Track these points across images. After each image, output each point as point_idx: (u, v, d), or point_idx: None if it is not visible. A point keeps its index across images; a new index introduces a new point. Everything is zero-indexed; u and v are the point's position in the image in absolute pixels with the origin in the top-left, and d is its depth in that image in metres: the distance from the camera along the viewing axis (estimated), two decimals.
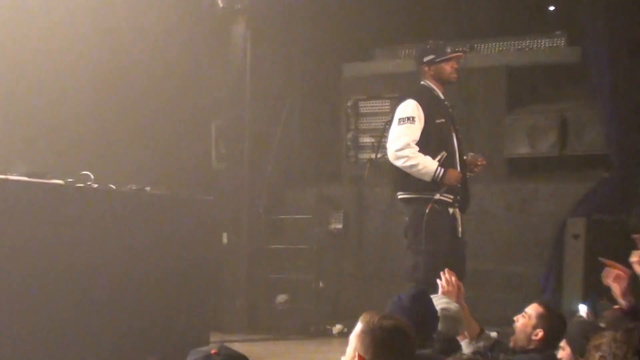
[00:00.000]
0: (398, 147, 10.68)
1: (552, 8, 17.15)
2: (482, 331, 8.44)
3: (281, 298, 16.14)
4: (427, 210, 10.69)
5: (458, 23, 16.39)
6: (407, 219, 11.07)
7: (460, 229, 10.97)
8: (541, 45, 16.15)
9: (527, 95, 15.94)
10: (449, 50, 11.20)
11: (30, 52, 14.03)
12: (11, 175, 9.86)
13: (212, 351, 4.79)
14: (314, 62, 16.74)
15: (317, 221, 16.06)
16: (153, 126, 15.11)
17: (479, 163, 11.32)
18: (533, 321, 8.26)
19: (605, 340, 5.23)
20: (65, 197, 10.12)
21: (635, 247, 9.20)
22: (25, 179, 9.90)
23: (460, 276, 9.87)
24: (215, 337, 11.62)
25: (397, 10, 16.31)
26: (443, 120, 10.85)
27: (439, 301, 8.13)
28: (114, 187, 10.79)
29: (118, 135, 14.60)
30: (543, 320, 8.24)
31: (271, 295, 16.20)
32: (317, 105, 16.96)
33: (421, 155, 10.58)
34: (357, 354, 5.39)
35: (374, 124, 15.52)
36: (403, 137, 10.67)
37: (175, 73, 15.39)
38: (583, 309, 11.09)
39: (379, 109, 15.68)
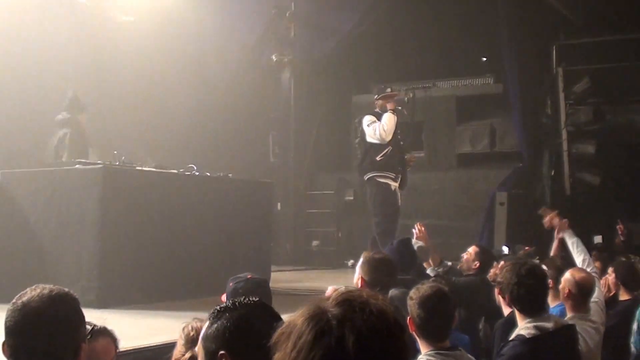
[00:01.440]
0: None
1: (484, 59, 17.39)
2: (441, 261, 8.74)
3: (315, 243, 16.35)
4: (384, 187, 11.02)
5: (426, 68, 16.57)
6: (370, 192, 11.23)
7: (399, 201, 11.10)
8: (478, 82, 16.45)
9: (469, 114, 16.21)
10: (388, 91, 11.39)
11: (156, 86, 14.31)
12: (146, 167, 10.20)
13: (248, 276, 5.17)
14: (334, 94, 16.83)
15: (336, 195, 16.22)
16: (232, 136, 15.31)
17: (412, 159, 11.51)
18: (473, 256, 8.63)
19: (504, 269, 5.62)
20: (178, 181, 10.18)
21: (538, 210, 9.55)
22: (154, 169, 10.14)
23: None
24: (273, 268, 11.67)
25: (386, 60, 16.50)
26: None
27: (415, 242, 8.55)
28: (209, 174, 10.86)
29: (211, 143, 14.83)
30: (479, 255, 8.60)
31: (308, 241, 16.40)
32: (336, 121, 17.11)
33: None
34: (360, 277, 5.85)
35: None
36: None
37: (246, 102, 15.60)
38: (505, 249, 11.47)
39: None
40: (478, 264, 8.50)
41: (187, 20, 15.27)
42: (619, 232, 13.95)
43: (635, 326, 7.21)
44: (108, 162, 9.56)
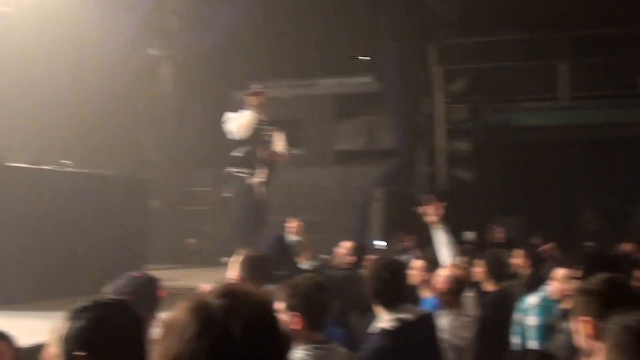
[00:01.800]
0: None
1: (364, 58, 17.54)
2: (316, 255, 8.83)
3: (190, 241, 16.20)
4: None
5: (306, 66, 16.62)
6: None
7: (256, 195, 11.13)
8: (357, 81, 16.55)
9: (348, 112, 16.33)
10: (255, 88, 11.38)
11: (33, 79, 13.92)
12: (21, 162, 9.75)
13: (134, 274, 5.11)
14: (213, 90, 16.64)
15: (213, 191, 15.79)
16: (109, 131, 15.04)
17: (278, 157, 11.36)
18: (347, 251, 8.77)
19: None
20: (53, 177, 9.89)
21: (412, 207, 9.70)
22: (27, 165, 9.70)
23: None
24: (149, 266, 10.96)
25: (267, 56, 16.46)
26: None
27: (290, 237, 8.59)
28: (85, 170, 10.63)
29: (88, 138, 14.53)
30: (353, 250, 8.77)
31: (185, 239, 16.20)
32: (215, 117, 16.91)
33: None
34: (237, 274, 5.82)
35: None
36: None
37: (125, 97, 15.34)
38: (381, 244, 11.64)
39: None
40: (352, 259, 8.66)
41: (66, 12, 14.94)
42: (496, 230, 14.33)
43: (517, 317, 7.40)
44: None
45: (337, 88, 16.55)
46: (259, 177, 11.03)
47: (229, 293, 2.01)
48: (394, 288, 5.24)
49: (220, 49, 15.98)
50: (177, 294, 5.46)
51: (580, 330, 3.83)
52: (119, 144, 14.99)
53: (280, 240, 8.01)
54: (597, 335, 3.52)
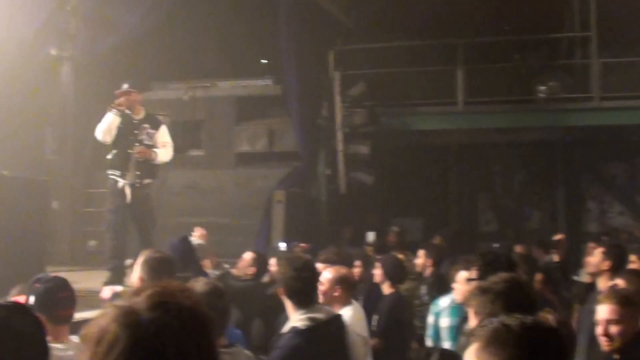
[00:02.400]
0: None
1: (264, 61, 17.65)
2: (218, 264, 8.90)
3: (92, 243, 15.96)
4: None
5: (207, 68, 16.63)
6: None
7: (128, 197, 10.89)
8: (257, 83, 16.61)
9: (248, 114, 16.39)
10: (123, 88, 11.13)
11: None
12: None
13: (51, 275, 5.14)
14: (115, 91, 16.45)
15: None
16: (7, 132, 14.80)
17: (141, 153, 10.93)
18: (249, 262, 8.85)
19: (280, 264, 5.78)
20: None
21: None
22: None
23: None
24: (49, 269, 10.58)
25: (168, 58, 16.42)
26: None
27: (196, 241, 8.66)
28: None
29: None
30: (254, 261, 8.86)
31: (85, 241, 15.87)
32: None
33: None
34: (140, 276, 5.84)
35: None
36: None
37: (23, 97, 15.10)
38: (283, 246, 11.75)
39: None
40: (254, 270, 8.78)
41: None
42: (393, 232, 14.63)
43: (431, 320, 7.60)
44: None
45: (238, 90, 16.56)
46: (129, 178, 10.87)
47: (160, 304, 1.91)
48: (312, 287, 5.35)
49: (121, 50, 15.85)
50: (77, 297, 5.49)
51: None
52: (19, 144, 14.77)
53: (185, 242, 8.03)
54: None
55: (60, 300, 5.07)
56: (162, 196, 15.27)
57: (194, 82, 16.06)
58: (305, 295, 5.24)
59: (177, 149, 15.61)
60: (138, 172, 10.86)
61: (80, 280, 11.31)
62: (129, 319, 1.87)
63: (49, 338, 4.71)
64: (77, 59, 15.69)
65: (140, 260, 5.92)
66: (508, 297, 3.95)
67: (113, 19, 15.73)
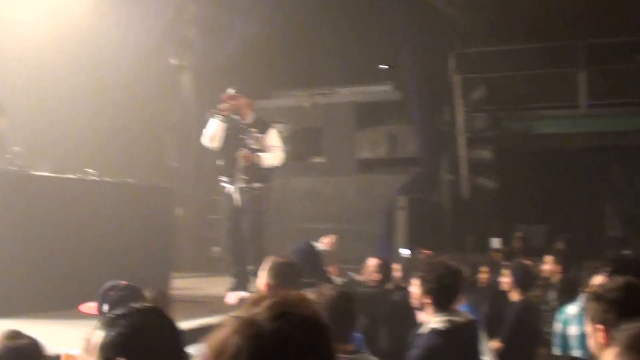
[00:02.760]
0: None
1: (384, 66, 17.47)
2: (343, 271, 8.85)
3: (215, 249, 16.13)
4: None
5: (326, 75, 16.60)
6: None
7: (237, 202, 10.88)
8: (377, 89, 16.48)
9: (369, 120, 16.28)
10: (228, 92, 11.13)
11: (52, 88, 13.97)
12: (42, 171, 9.77)
13: (124, 283, 5.13)
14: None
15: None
16: (132, 140, 15.06)
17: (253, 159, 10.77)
18: (373, 269, 8.74)
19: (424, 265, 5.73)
20: (75, 186, 9.85)
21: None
22: (49, 174, 9.72)
23: None
24: (174, 275, 11.37)
25: (286, 65, 16.45)
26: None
27: (320, 247, 8.59)
28: (107, 179, 10.56)
29: (110, 147, 14.54)
30: (379, 268, 8.74)
31: (209, 247, 16.12)
32: None
33: None
34: (266, 281, 5.81)
35: None
36: None
37: (146, 106, 15.35)
38: (406, 252, 11.59)
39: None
40: (378, 276, 8.67)
41: (85, 22, 14.98)
42: (517, 238, 14.30)
43: (558, 328, 7.38)
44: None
45: (358, 96, 16.46)
46: (237, 183, 10.87)
47: (282, 315, 1.89)
48: (451, 292, 5.31)
49: (239, 58, 15.96)
50: (202, 302, 5.49)
51: (593, 336, 3.84)
52: (143, 153, 15.01)
53: (310, 248, 7.98)
54: (609, 343, 3.42)
55: None
56: (284, 202, 15.33)
57: (313, 89, 16.04)
58: (445, 300, 5.23)
59: (298, 156, 15.75)
60: (245, 177, 10.79)
61: (205, 286, 11.42)
62: (251, 330, 1.86)
63: None
64: (196, 67, 15.87)
65: (265, 266, 5.93)
66: (624, 305, 3.83)
67: (231, 27, 15.85)
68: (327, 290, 4.62)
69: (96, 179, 10.29)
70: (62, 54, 14.35)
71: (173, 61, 15.66)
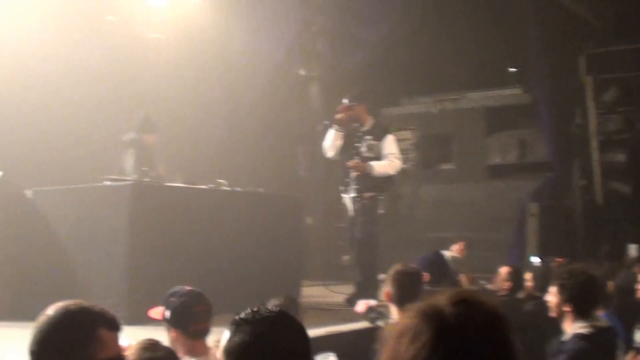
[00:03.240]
0: None
1: (513, 69, 17.23)
2: (474, 278, 8.79)
3: (345, 257, 16.18)
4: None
5: (454, 80, 16.48)
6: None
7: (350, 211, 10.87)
8: (507, 93, 16.25)
9: (498, 125, 16.07)
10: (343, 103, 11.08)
11: (185, 102, 14.34)
12: (176, 183, 10.26)
13: (187, 289, 5.19)
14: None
15: None
16: (261, 151, 15.31)
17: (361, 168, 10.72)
18: (504, 277, 8.65)
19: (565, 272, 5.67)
20: (208, 196, 10.19)
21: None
22: (183, 185, 10.19)
23: None
24: (304, 283, 11.66)
25: (414, 71, 16.40)
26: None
27: (451, 255, 8.55)
28: (238, 189, 10.90)
29: (240, 158, 14.82)
30: (510, 276, 8.65)
31: (339, 256, 16.18)
32: None
33: None
34: (387, 290, 5.81)
35: (401, 146, 15.53)
36: None
37: (275, 117, 15.60)
38: (536, 260, 11.38)
39: (403, 137, 15.57)
40: (509, 284, 8.59)
41: (215, 36, 15.31)
42: None
43: None
44: (137, 178, 9.58)
45: (487, 101, 16.26)
46: (350, 192, 10.82)
47: (462, 301, 1.97)
48: (593, 300, 5.38)
49: (368, 66, 16.02)
50: (331, 310, 5.53)
51: None
52: (273, 163, 15.22)
53: (438, 256, 7.96)
54: None
55: (196, 314, 5.10)
56: (413, 210, 15.30)
57: (442, 95, 15.95)
58: (586, 307, 5.28)
59: (427, 163, 15.69)
60: (357, 186, 10.76)
61: (334, 294, 11.43)
62: (432, 314, 1.93)
63: (185, 352, 4.76)
64: (324, 77, 15.99)
65: (389, 274, 5.96)
66: None
67: (358, 37, 15.92)
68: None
69: (228, 189, 10.58)
70: (195, 69, 14.71)
71: (302, 72, 15.80)
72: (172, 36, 14.85)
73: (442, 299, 1.97)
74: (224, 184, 10.58)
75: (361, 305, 9.77)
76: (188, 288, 5.14)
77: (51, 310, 2.99)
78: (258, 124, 15.28)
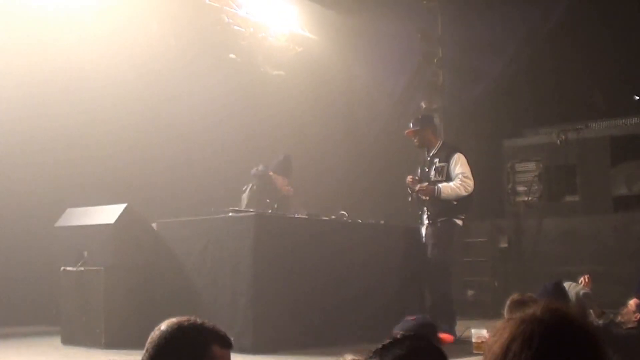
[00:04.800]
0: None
1: (637, 97, 16.92)
2: (603, 313, 8.65)
3: (470, 292, 16.08)
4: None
5: (577, 110, 16.26)
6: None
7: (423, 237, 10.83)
8: (632, 122, 15.93)
9: (624, 155, 15.71)
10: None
11: (306, 137, 14.57)
12: (299, 215, 10.48)
13: (411, 318, 5.22)
14: (485, 139, 16.50)
15: (490, 242, 15.82)
16: (382, 183, 15.37)
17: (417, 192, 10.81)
18: (633, 308, 8.49)
19: None
20: (329, 228, 10.37)
21: None
22: (305, 217, 10.42)
23: None
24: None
25: (536, 102, 16.27)
26: None
27: (577, 288, 8.45)
28: (360, 220, 11.06)
29: (361, 190, 14.96)
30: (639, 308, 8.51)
31: (464, 290, 16.06)
32: (488, 166, 16.78)
33: None
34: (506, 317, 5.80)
35: (524, 178, 15.55)
36: None
37: (396, 150, 15.61)
38: None
39: (526, 168, 15.53)
40: (638, 317, 8.44)
41: (336, 72, 15.58)
42: None
43: None
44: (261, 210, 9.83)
45: (612, 130, 15.94)
46: (423, 219, 10.85)
47: (554, 310, 2.11)
48: None
49: (489, 98, 15.98)
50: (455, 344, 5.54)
51: None
52: (392, 195, 15.26)
53: (558, 287, 7.89)
54: None
55: None
56: (537, 244, 15.09)
57: (565, 125, 15.72)
58: None
59: (551, 196, 15.45)
60: (429, 212, 10.69)
61: (459, 328, 11.35)
62: (536, 320, 2.09)
63: None
64: (445, 109, 16.01)
65: (506, 304, 6.14)
66: None
67: (479, 68, 15.90)
68: None
69: (349, 220, 10.76)
70: (316, 104, 14.97)
71: (423, 104, 15.86)
72: (293, 73, 15.16)
73: (537, 309, 2.14)
74: (345, 216, 10.70)
75: (487, 335, 9.73)
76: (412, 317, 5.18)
77: (164, 326, 3.08)
78: (379, 156, 15.41)
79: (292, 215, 10.27)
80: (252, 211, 9.77)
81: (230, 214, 9.70)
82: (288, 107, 15.08)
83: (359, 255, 10.45)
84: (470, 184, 10.63)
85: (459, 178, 10.57)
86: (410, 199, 11.08)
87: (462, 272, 15.99)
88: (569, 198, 15.84)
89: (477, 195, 16.59)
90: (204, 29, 14.22)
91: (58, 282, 10.11)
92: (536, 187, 15.58)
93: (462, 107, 16.20)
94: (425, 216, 10.77)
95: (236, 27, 14.76)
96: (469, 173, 10.69)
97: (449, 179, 10.61)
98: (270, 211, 10.18)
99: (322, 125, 14.99)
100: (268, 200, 10.61)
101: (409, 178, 10.87)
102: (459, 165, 10.66)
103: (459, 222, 10.78)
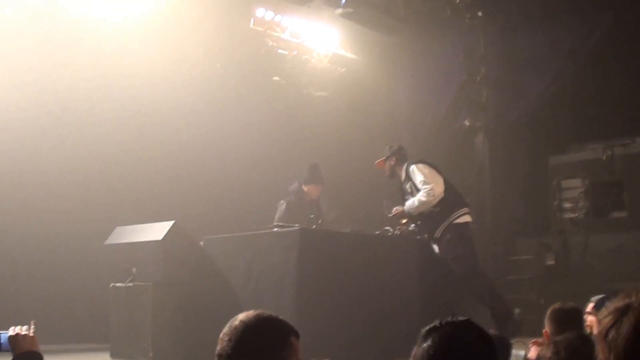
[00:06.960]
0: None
1: None
2: None
3: (517, 311, 15.98)
4: None
5: (623, 125, 16.19)
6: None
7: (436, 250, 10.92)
8: None
9: None
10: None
11: (351, 157, 14.71)
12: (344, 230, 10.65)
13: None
14: (530, 156, 16.52)
15: (537, 260, 15.75)
16: None
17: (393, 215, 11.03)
18: None
19: None
20: (373, 242, 10.58)
21: None
22: (349, 232, 10.65)
23: None
24: None
25: (581, 117, 16.23)
26: None
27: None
28: (399, 234, 11.15)
29: None
30: None
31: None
32: (533, 183, 16.77)
33: None
34: (545, 329, 5.83)
35: (570, 195, 15.54)
36: None
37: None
38: None
39: (573, 185, 15.51)
40: None
41: (380, 92, 15.76)
42: None
43: None
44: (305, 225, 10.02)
45: None
46: (432, 241, 11.05)
47: None
48: None
49: (533, 114, 16.01)
50: None
51: None
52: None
53: (606, 299, 7.90)
54: None
55: None
56: (584, 261, 15.01)
57: (611, 141, 15.69)
58: None
59: (598, 212, 15.35)
60: (425, 232, 10.98)
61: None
62: (622, 307, 2.38)
63: None
64: (489, 127, 16.06)
65: (547, 313, 6.12)
66: None
67: (523, 85, 15.93)
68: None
69: (394, 234, 10.95)
70: (359, 124, 15.13)
71: (466, 122, 15.94)
72: (336, 94, 15.35)
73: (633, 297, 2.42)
74: (390, 231, 10.84)
75: (533, 353, 9.74)
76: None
77: (245, 317, 3.26)
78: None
79: (336, 230, 10.42)
80: (296, 226, 9.95)
81: (276, 229, 9.88)
82: (332, 127, 15.26)
83: (403, 270, 10.64)
84: (430, 187, 10.65)
85: (421, 187, 10.68)
86: (409, 229, 11.29)
87: (506, 290, 15.94)
88: (616, 214, 15.73)
89: (523, 212, 16.66)
90: (248, 53, 14.49)
91: (108, 299, 10.36)
92: (582, 204, 15.52)
93: (506, 124, 16.25)
94: (429, 236, 11.00)
95: (280, 50, 15.02)
96: (428, 177, 10.77)
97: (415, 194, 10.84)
98: (314, 226, 10.34)
99: (364, 143, 15.10)
100: (312, 216, 10.77)
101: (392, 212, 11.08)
102: (416, 175, 10.79)
103: (460, 220, 10.85)
